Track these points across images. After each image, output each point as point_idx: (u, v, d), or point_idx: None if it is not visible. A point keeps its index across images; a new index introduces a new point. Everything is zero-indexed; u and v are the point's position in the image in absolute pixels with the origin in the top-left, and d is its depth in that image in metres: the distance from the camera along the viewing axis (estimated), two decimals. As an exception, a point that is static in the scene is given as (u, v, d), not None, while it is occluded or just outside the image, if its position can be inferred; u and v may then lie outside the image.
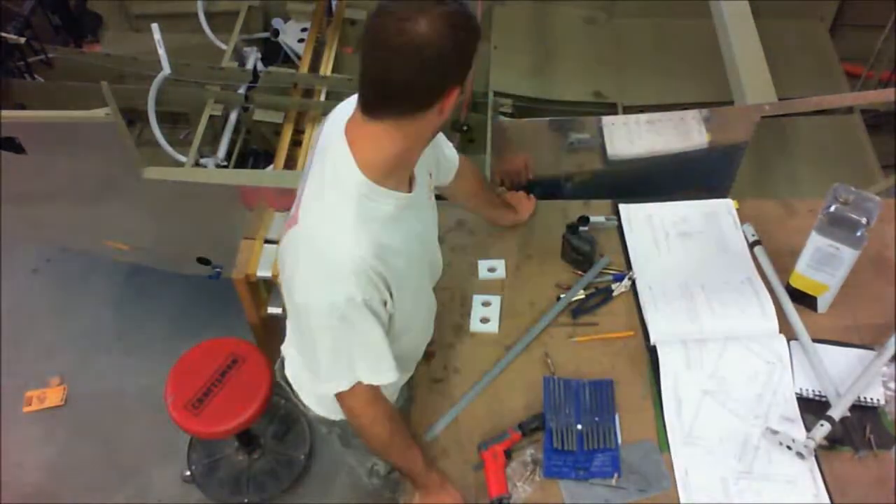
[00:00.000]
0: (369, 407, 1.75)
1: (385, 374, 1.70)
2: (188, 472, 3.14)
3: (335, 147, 1.57)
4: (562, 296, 2.24)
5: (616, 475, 1.90)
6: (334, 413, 1.91)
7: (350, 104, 1.62)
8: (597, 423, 1.99)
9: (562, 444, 1.95)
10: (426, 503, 1.89)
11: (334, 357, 1.66)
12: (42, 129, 2.61)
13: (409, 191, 1.66)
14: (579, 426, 1.98)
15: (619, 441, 1.97)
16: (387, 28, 1.40)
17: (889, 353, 2.06)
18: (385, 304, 1.64)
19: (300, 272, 1.59)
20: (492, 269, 2.32)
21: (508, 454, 1.94)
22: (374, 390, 1.73)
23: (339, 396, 1.74)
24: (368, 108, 1.50)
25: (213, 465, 3.08)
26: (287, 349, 2.07)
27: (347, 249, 1.54)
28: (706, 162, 2.57)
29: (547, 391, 2.05)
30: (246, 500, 3.04)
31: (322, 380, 1.71)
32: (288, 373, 2.07)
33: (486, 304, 2.26)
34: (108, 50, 3.57)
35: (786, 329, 2.14)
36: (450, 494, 1.89)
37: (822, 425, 1.91)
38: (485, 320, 2.22)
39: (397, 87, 1.44)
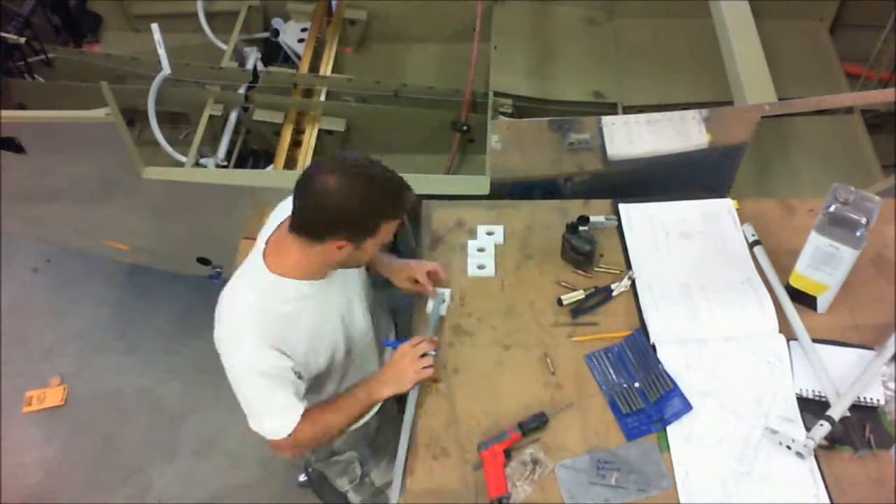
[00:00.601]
0: (278, 452, 2.03)
1: (280, 428, 1.95)
2: (303, 477, 3.11)
3: (254, 254, 1.94)
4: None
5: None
6: None
7: (275, 220, 1.98)
8: (649, 374, 2.06)
9: (629, 406, 2.02)
10: (387, 380, 2.07)
11: (247, 406, 1.96)
12: (42, 129, 2.61)
13: (321, 277, 1.96)
14: (636, 384, 2.06)
15: (674, 379, 2.05)
16: (309, 176, 1.79)
17: (889, 352, 2.06)
18: (290, 369, 1.92)
19: (219, 337, 1.91)
20: (490, 233, 2.37)
21: (508, 454, 1.94)
22: (279, 441, 1.98)
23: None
24: (291, 226, 1.86)
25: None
26: None
27: (244, 323, 1.88)
28: (706, 162, 2.57)
29: (594, 368, 2.11)
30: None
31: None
32: None
33: (481, 249, 2.33)
34: (108, 50, 3.57)
35: (785, 329, 2.14)
36: (383, 372, 2.08)
37: (821, 425, 1.91)
38: (481, 266, 2.29)
39: (309, 218, 1.82)
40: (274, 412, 1.93)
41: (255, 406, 1.94)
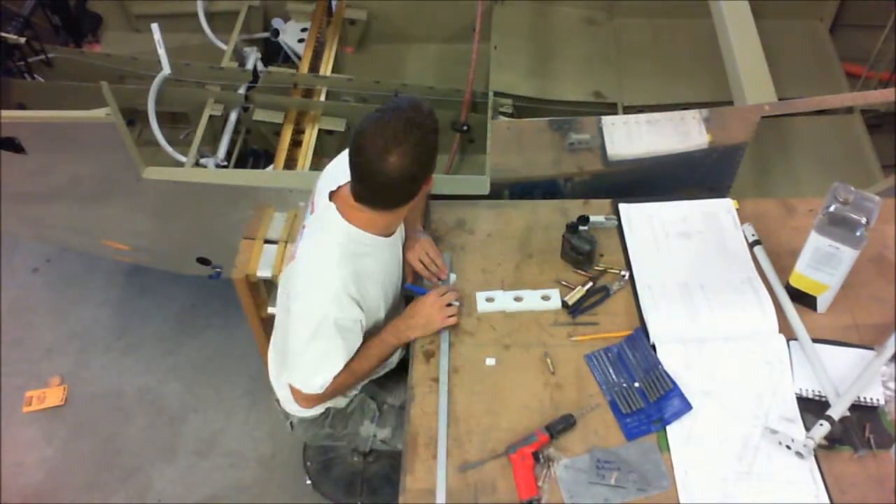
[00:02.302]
0: (310, 404, 2.19)
1: (325, 383, 2.05)
2: (308, 480, 3.11)
3: (323, 207, 1.99)
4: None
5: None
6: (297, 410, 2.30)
7: (334, 170, 2.06)
8: (649, 374, 2.07)
9: (629, 406, 2.03)
10: (415, 324, 2.16)
11: (297, 359, 2.04)
12: (42, 129, 2.61)
13: (388, 236, 2.06)
14: (636, 384, 2.06)
15: (674, 379, 2.07)
16: (369, 160, 1.82)
17: (888, 352, 2.06)
18: (360, 322, 2.02)
19: (298, 289, 1.98)
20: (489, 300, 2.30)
21: (536, 456, 1.95)
22: (315, 394, 2.09)
23: (292, 389, 2.13)
24: (358, 198, 1.92)
25: (327, 463, 3.03)
26: (270, 353, 2.42)
27: (329, 273, 1.94)
28: (706, 162, 2.57)
29: (594, 367, 2.12)
30: (359, 502, 2.99)
31: (287, 374, 2.11)
32: (271, 375, 2.40)
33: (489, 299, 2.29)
34: (108, 50, 3.57)
35: (785, 329, 2.14)
36: (411, 316, 2.16)
37: (821, 425, 1.91)
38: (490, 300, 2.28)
39: (379, 197, 1.90)
40: (326, 366, 2.02)
41: (308, 359, 2.01)
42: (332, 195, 2.00)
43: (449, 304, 2.17)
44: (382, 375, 2.42)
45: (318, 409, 2.31)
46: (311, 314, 1.96)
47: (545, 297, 2.26)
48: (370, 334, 2.15)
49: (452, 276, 2.31)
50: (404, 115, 1.84)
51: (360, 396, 2.40)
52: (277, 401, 2.41)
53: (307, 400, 2.14)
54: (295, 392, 2.12)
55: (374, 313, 2.11)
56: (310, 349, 2.00)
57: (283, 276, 2.08)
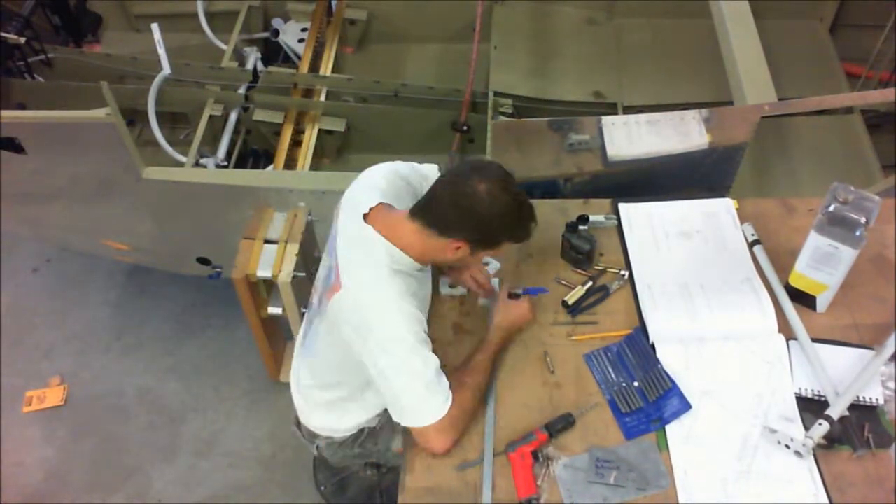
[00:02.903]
0: (448, 435, 1.93)
1: (443, 403, 1.89)
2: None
3: (360, 230, 1.91)
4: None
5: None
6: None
7: (360, 194, 1.98)
8: (648, 373, 2.06)
9: (628, 406, 2.02)
10: (516, 319, 2.12)
11: (401, 398, 1.89)
12: (42, 129, 2.61)
13: (420, 264, 1.96)
14: (636, 383, 2.06)
15: (674, 378, 2.05)
16: (463, 172, 1.86)
17: (888, 352, 2.06)
18: (427, 333, 1.91)
19: (353, 326, 1.88)
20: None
21: (535, 455, 1.94)
22: (448, 419, 1.89)
23: (422, 435, 1.92)
24: (413, 211, 1.89)
25: (342, 483, 2.96)
26: (293, 379, 2.30)
27: (386, 292, 1.86)
28: (706, 162, 2.58)
29: (593, 367, 2.11)
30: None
31: (404, 420, 1.92)
32: (299, 395, 2.28)
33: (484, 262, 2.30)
34: (108, 50, 3.58)
35: (785, 328, 2.14)
36: (511, 311, 2.12)
37: (820, 424, 1.90)
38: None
39: (440, 211, 1.85)
40: (434, 382, 1.87)
41: (416, 386, 1.86)
42: (366, 217, 1.93)
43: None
44: None
45: (349, 431, 2.21)
46: (394, 346, 1.85)
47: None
48: None
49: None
50: (515, 184, 1.87)
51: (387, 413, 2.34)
52: (298, 425, 2.32)
53: (443, 433, 1.89)
54: (425, 435, 1.89)
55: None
56: (411, 378, 1.86)
57: (334, 305, 1.92)
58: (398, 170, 2.07)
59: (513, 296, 2.18)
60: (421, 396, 1.86)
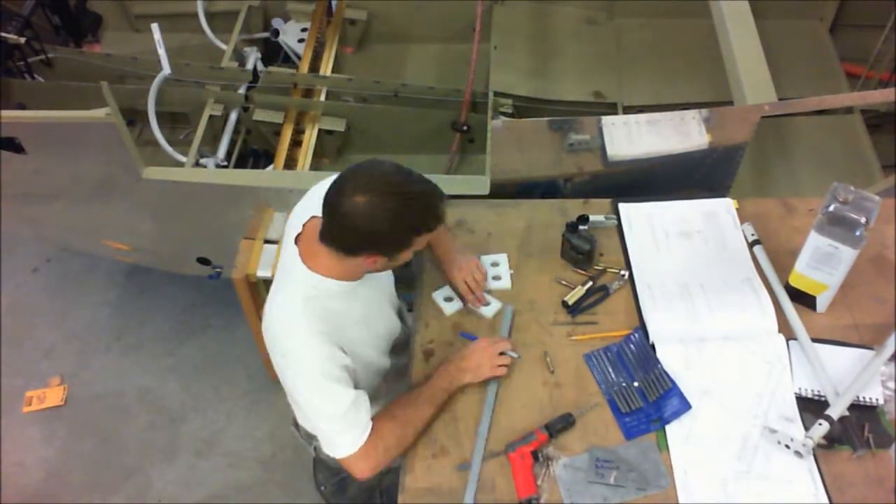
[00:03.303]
0: (366, 465, 1.91)
1: (358, 436, 1.87)
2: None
3: (289, 253, 1.91)
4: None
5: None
6: None
7: (300, 211, 1.97)
8: (648, 373, 2.06)
9: (628, 405, 2.02)
10: (466, 368, 2.04)
11: (319, 429, 1.91)
12: (42, 129, 2.61)
13: (355, 279, 1.93)
14: (636, 383, 2.06)
15: (674, 378, 2.05)
16: (339, 191, 1.74)
17: (888, 352, 2.06)
18: (346, 368, 1.88)
19: (270, 353, 1.88)
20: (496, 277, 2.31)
21: (535, 455, 1.95)
22: (364, 449, 1.88)
23: (344, 463, 1.92)
24: (321, 235, 1.82)
25: (341, 483, 2.98)
26: None
27: (295, 325, 1.83)
28: (706, 162, 2.58)
29: (593, 367, 2.11)
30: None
31: (325, 449, 1.93)
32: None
33: (494, 264, 2.30)
34: (108, 50, 3.58)
35: (785, 328, 2.14)
36: (462, 360, 2.04)
37: (820, 424, 1.91)
38: (497, 277, 2.27)
39: (337, 236, 1.79)
40: (346, 417, 1.85)
41: (328, 420, 1.86)
42: (298, 238, 1.91)
43: (502, 353, 2.06)
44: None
45: None
46: (300, 379, 1.85)
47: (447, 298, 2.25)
48: (376, 376, 2.10)
49: (510, 308, 2.24)
50: (397, 180, 1.76)
51: None
52: (296, 425, 2.29)
53: (360, 463, 1.89)
54: (344, 462, 1.91)
55: (365, 355, 2.00)
56: (320, 412, 1.86)
57: (262, 330, 1.94)
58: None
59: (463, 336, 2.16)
60: (333, 430, 1.87)
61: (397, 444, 1.93)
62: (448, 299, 2.26)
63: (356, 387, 1.91)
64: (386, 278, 2.13)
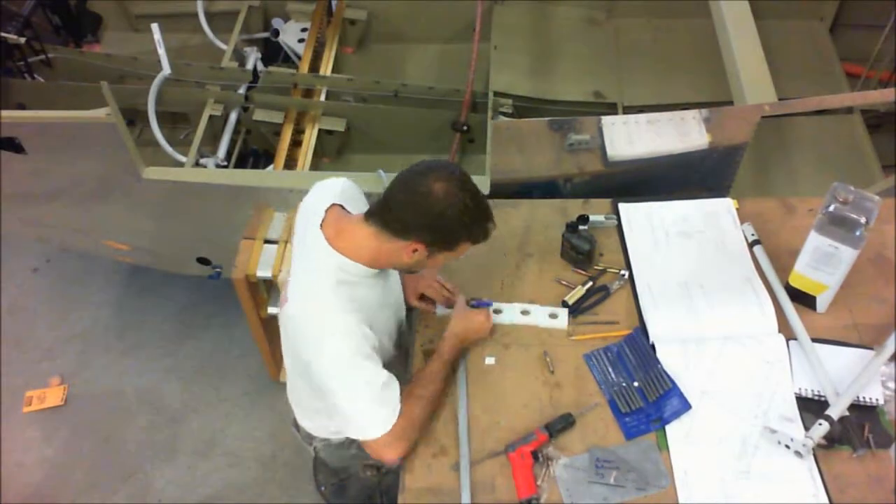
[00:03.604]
0: (396, 448, 1.91)
1: (390, 416, 1.87)
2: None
3: (312, 238, 1.90)
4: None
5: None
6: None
7: (315, 203, 1.97)
8: (648, 373, 2.06)
9: (628, 406, 2.02)
10: (471, 329, 2.12)
11: (348, 414, 1.88)
12: (42, 129, 2.61)
13: (375, 269, 1.93)
14: (636, 383, 2.06)
15: (673, 379, 2.06)
16: (419, 172, 1.81)
17: (888, 352, 2.06)
18: (374, 349, 1.88)
19: (297, 342, 1.89)
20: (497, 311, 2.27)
21: (535, 455, 1.95)
22: (395, 431, 1.88)
23: (371, 447, 1.91)
24: (370, 213, 1.86)
25: (342, 484, 2.97)
26: (289, 395, 2.27)
27: (326, 307, 1.84)
28: (706, 162, 2.58)
29: (593, 367, 2.11)
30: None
31: (353, 434, 1.93)
32: (291, 398, 2.26)
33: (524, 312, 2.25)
34: (108, 50, 3.58)
35: (785, 328, 2.14)
36: (462, 321, 2.11)
37: (820, 424, 1.91)
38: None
39: (395, 211, 1.82)
40: (379, 396, 1.86)
41: (360, 401, 1.86)
42: (322, 224, 1.92)
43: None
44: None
45: (342, 435, 2.16)
46: (334, 364, 1.84)
47: (552, 315, 2.22)
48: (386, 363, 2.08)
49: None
50: (472, 183, 1.84)
51: None
52: (296, 426, 2.31)
53: (391, 445, 1.89)
54: (374, 446, 1.89)
55: (382, 343, 1.99)
56: (354, 393, 1.86)
57: (282, 317, 1.96)
58: (356, 185, 2.06)
59: (472, 306, 2.18)
60: (366, 410, 1.86)
61: (423, 423, 1.97)
62: (497, 311, 2.25)
63: None
64: (395, 278, 2.14)
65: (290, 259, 2.11)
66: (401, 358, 2.20)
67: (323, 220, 1.91)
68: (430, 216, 1.79)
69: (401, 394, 1.90)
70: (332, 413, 1.95)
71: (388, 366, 2.03)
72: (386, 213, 1.83)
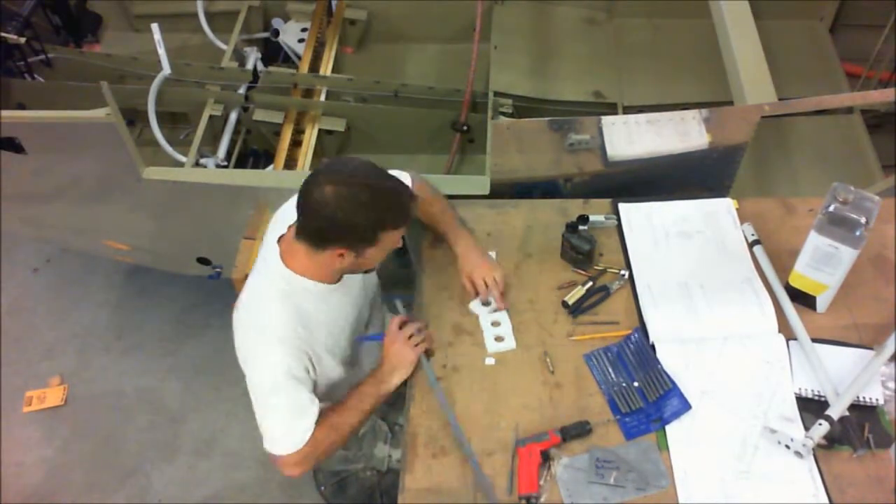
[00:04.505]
0: (297, 468, 1.95)
1: (299, 439, 1.91)
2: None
3: (269, 250, 1.97)
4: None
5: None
6: None
7: (284, 214, 2.03)
8: (648, 373, 2.06)
9: (628, 406, 2.02)
10: (392, 367, 2.07)
11: (263, 423, 1.93)
12: (42, 129, 2.61)
13: (333, 282, 1.99)
14: (636, 383, 2.06)
15: (673, 379, 2.05)
16: (310, 182, 1.82)
17: (888, 352, 2.06)
18: (308, 371, 1.94)
19: (238, 343, 1.97)
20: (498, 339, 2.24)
21: (545, 455, 1.95)
22: (300, 453, 1.92)
23: (275, 459, 1.95)
24: (296, 231, 1.90)
25: (341, 483, 2.97)
26: None
27: (269, 317, 1.90)
28: (706, 162, 2.57)
29: (593, 367, 2.11)
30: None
31: (263, 441, 1.95)
32: None
33: (495, 323, 2.22)
34: (108, 50, 3.58)
35: (785, 328, 2.14)
36: (385, 362, 2.07)
37: (820, 424, 1.91)
38: (499, 339, 2.19)
39: (308, 227, 1.86)
40: (295, 419, 1.90)
41: (276, 418, 1.91)
42: (280, 239, 1.98)
43: (411, 336, 2.09)
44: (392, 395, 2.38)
45: None
46: (262, 373, 1.90)
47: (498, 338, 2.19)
48: (330, 387, 2.10)
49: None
50: (363, 173, 1.84)
51: (371, 419, 2.35)
52: None
53: (293, 465, 1.93)
54: (278, 461, 1.94)
55: (325, 361, 2.02)
56: (273, 409, 1.91)
57: (233, 317, 2.00)
58: None
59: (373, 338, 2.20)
60: (280, 428, 1.90)
61: (327, 450, 1.98)
62: (486, 303, 2.25)
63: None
64: (366, 287, 2.17)
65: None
66: (356, 376, 2.17)
67: (283, 235, 1.98)
68: (330, 221, 1.81)
69: (318, 417, 1.92)
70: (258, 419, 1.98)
71: (334, 386, 2.11)
72: (301, 229, 1.88)
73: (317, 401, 1.94)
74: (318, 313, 1.98)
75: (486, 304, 2.23)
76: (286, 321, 1.90)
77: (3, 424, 3.38)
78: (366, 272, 2.12)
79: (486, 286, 2.21)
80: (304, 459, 1.93)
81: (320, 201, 1.79)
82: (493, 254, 2.35)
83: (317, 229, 1.84)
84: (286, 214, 2.01)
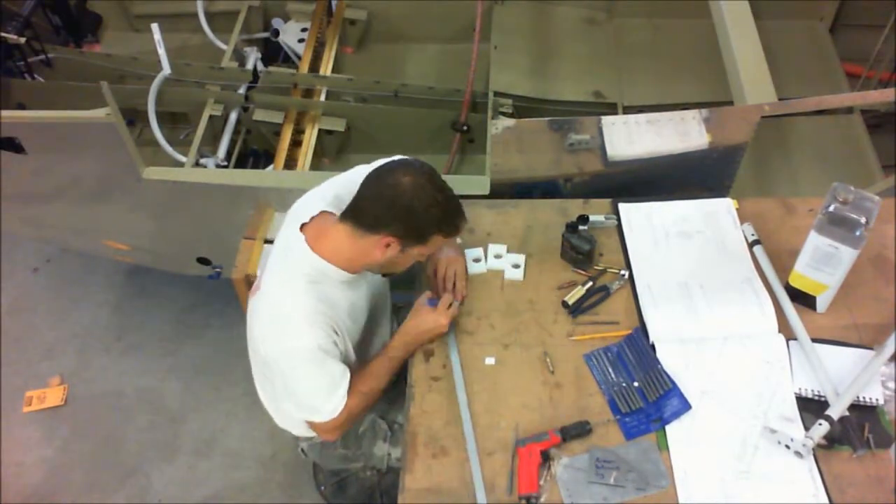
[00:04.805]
0: (337, 431, 2.10)
1: (338, 405, 2.01)
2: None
3: (293, 238, 2.00)
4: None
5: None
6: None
7: (302, 207, 2.07)
8: (648, 373, 2.07)
9: (628, 406, 2.03)
10: (422, 327, 2.14)
11: (300, 397, 2.02)
12: (42, 129, 2.61)
13: (351, 273, 2.02)
14: (636, 383, 2.06)
15: (673, 379, 2.06)
16: (387, 169, 1.91)
17: (888, 352, 2.06)
18: (335, 344, 1.99)
19: (262, 329, 1.98)
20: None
21: (545, 455, 1.95)
22: (338, 419, 2.03)
23: (314, 426, 2.09)
24: (343, 214, 1.95)
25: (341, 483, 2.97)
26: (261, 397, 2.36)
27: (295, 301, 1.93)
28: (706, 162, 2.57)
29: (593, 367, 2.12)
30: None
31: (299, 414, 2.08)
32: (273, 416, 2.36)
33: (497, 255, 2.33)
34: (108, 50, 3.58)
35: (785, 328, 2.14)
36: (417, 323, 2.14)
37: (820, 424, 1.91)
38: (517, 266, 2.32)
39: (366, 209, 1.90)
40: (332, 390, 1.99)
41: (316, 391, 1.99)
42: (303, 227, 2.01)
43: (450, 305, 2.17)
44: (391, 393, 2.37)
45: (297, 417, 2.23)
46: (293, 354, 1.94)
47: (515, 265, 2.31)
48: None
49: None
50: (439, 177, 1.92)
51: (371, 417, 2.37)
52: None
53: (329, 430, 2.08)
54: (315, 427, 2.09)
55: (347, 340, 2.07)
56: (309, 383, 1.99)
57: (251, 306, 2.04)
58: (354, 179, 2.02)
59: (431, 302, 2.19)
60: (320, 396, 1.99)
61: (359, 416, 2.13)
62: (476, 260, 2.33)
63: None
64: (372, 285, 2.18)
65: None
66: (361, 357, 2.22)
67: (306, 223, 2.01)
68: (399, 208, 1.86)
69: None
70: (286, 397, 2.07)
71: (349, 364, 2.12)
72: (357, 210, 1.91)
73: (347, 370, 2.01)
74: (341, 299, 2.02)
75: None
76: (312, 303, 1.93)
77: (3, 424, 3.38)
78: (386, 275, 2.18)
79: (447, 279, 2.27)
80: (341, 425, 2.06)
81: (395, 184, 1.85)
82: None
83: (379, 210, 1.88)
84: (307, 208, 2.05)
